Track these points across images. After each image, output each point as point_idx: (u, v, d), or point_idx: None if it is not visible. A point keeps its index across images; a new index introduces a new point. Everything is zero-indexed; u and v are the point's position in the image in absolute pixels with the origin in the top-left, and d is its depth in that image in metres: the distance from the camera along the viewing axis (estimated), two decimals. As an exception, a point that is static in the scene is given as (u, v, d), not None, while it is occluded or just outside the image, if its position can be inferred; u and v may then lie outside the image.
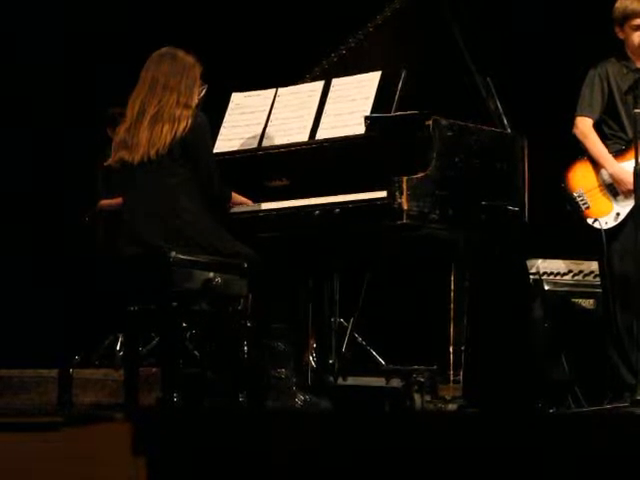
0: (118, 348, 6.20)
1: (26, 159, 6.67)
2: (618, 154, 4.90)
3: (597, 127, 4.96)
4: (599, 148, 4.91)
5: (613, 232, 4.85)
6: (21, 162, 6.66)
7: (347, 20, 5.27)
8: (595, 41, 5.19)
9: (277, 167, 4.76)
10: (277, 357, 4.72)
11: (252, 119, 4.97)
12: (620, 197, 4.86)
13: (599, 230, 4.84)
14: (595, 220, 4.86)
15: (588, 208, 4.90)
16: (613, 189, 4.89)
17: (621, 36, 4.95)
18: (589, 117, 4.94)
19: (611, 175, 4.87)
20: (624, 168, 4.79)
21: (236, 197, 4.67)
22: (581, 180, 4.95)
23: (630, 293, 4.74)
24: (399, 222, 4.31)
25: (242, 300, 4.48)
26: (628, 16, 4.88)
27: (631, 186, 4.67)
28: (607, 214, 4.87)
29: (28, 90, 6.61)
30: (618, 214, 4.85)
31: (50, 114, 6.64)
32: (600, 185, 4.91)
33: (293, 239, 4.72)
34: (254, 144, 4.90)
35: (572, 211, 4.92)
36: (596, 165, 4.93)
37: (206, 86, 4.51)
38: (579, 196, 4.91)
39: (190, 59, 4.46)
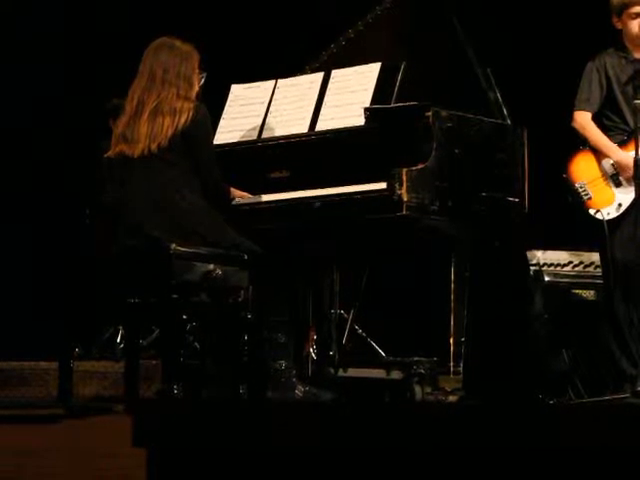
0: (118, 340, 6.21)
1: (26, 155, 6.66)
2: (620, 145, 4.89)
3: (597, 120, 4.95)
4: (601, 138, 4.90)
5: (615, 223, 4.84)
6: (21, 159, 6.66)
7: (346, 11, 5.26)
8: (595, 31, 5.18)
9: (277, 159, 4.75)
10: (277, 349, 4.72)
11: (252, 111, 4.96)
12: (622, 187, 4.86)
13: (601, 221, 4.83)
14: (597, 211, 4.86)
15: (590, 199, 4.89)
16: (615, 179, 4.89)
17: (619, 26, 4.94)
18: (587, 111, 4.93)
19: (616, 162, 4.86)
20: (629, 155, 4.78)
21: (234, 192, 4.67)
22: (583, 171, 4.94)
23: (631, 284, 4.74)
24: (399, 213, 4.31)
25: (242, 292, 4.48)
26: (626, 5, 4.87)
27: None
28: (609, 205, 4.87)
29: (28, 89, 6.60)
30: (620, 205, 4.84)
31: (50, 112, 6.63)
32: (602, 176, 4.91)
33: (293, 231, 4.72)
34: (254, 136, 4.89)
35: (574, 202, 4.92)
36: (598, 156, 4.93)
37: (205, 74, 4.50)
38: (581, 187, 4.90)
39: (187, 48, 4.45)
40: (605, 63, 4.94)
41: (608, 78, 4.92)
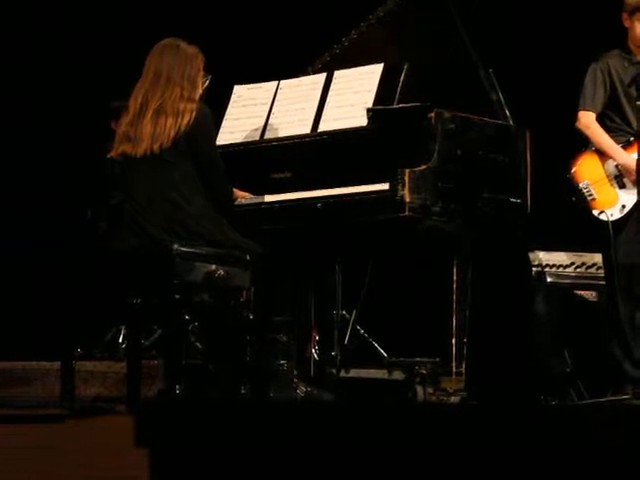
0: (120, 340, 6.20)
1: (26, 156, 6.66)
2: (624, 147, 4.89)
3: (600, 121, 4.95)
4: (605, 140, 4.90)
5: (618, 224, 4.84)
6: (21, 158, 6.66)
7: (349, 12, 5.26)
8: (599, 32, 5.18)
9: (279, 159, 4.76)
10: (279, 349, 4.72)
11: (254, 111, 4.96)
12: (626, 189, 4.85)
13: (605, 222, 4.83)
14: (601, 212, 4.85)
15: (594, 200, 4.89)
16: (619, 181, 4.88)
17: (627, 24, 4.93)
18: (592, 111, 4.93)
19: (621, 165, 4.86)
20: (633, 157, 4.77)
21: (237, 192, 4.68)
22: (587, 171, 4.94)
23: (633, 286, 4.73)
24: (401, 214, 4.31)
25: (244, 292, 4.48)
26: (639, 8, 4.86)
27: None
28: (613, 206, 4.86)
29: (28, 87, 6.60)
30: (624, 206, 4.84)
31: (50, 111, 6.63)
32: (607, 177, 4.91)
33: (295, 231, 4.72)
34: (256, 136, 4.90)
35: (577, 202, 4.91)
36: (602, 156, 4.92)
37: (209, 77, 4.51)
38: (585, 187, 4.90)
39: (193, 49, 4.46)
40: (608, 64, 4.94)
41: (612, 79, 4.93)
